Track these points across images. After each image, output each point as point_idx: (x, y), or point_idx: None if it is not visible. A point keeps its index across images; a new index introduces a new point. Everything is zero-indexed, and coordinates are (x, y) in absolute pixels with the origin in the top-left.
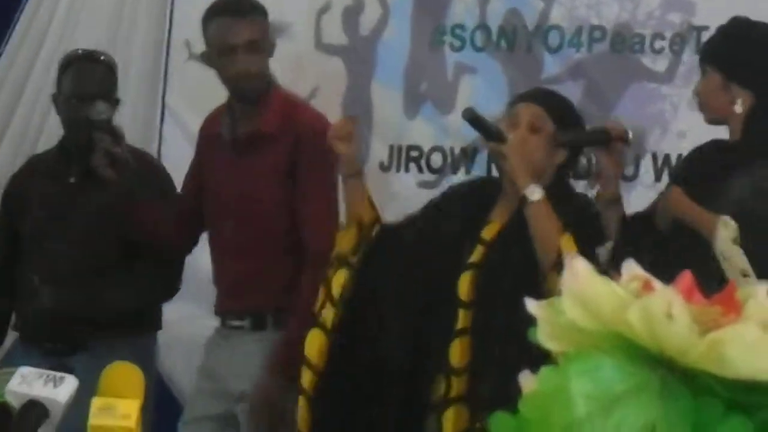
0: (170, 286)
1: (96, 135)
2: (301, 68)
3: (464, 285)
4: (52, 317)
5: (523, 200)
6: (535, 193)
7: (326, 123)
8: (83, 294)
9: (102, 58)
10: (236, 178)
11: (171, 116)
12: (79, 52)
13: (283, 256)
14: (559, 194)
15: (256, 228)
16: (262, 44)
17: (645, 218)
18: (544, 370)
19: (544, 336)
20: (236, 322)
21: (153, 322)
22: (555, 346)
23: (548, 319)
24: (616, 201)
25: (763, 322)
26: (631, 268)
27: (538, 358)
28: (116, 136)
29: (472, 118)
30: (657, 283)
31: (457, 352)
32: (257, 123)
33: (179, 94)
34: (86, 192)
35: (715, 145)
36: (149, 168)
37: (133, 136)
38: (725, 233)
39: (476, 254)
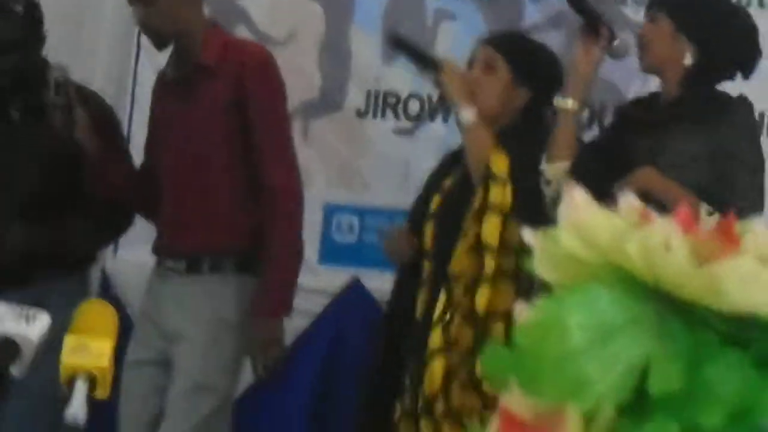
0: (122, 224)
1: (50, 96)
2: (278, 11)
3: (427, 235)
4: (21, 253)
5: (461, 128)
6: (465, 115)
7: (268, 54)
8: (33, 234)
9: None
10: (179, 115)
11: (146, 56)
12: None
13: (223, 196)
14: (517, 131)
15: (196, 165)
16: None
17: (598, 147)
18: (541, 301)
19: (541, 266)
20: (171, 263)
21: (95, 257)
22: (552, 276)
23: (545, 250)
24: (578, 110)
25: (760, 255)
26: (628, 198)
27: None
28: (67, 95)
29: (398, 44)
30: (655, 215)
31: (423, 304)
32: (196, 58)
33: None
34: (30, 129)
35: (654, 99)
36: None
37: (107, 77)
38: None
39: (434, 203)
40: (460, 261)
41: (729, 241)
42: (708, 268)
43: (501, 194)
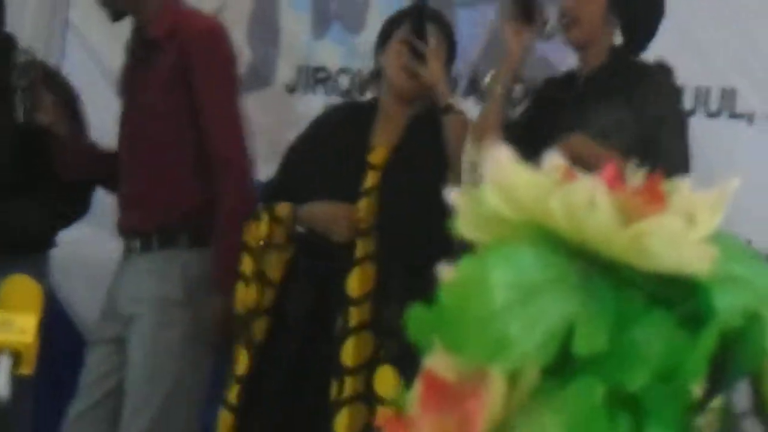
0: (80, 208)
1: (14, 78)
2: None
3: (362, 211)
4: None
5: (447, 109)
6: (457, 102)
7: (216, 26)
8: None
9: None
10: (132, 89)
11: (74, 33)
12: None
13: (172, 171)
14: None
15: (147, 140)
16: None
17: (519, 126)
18: (463, 260)
19: (463, 226)
20: (131, 243)
21: (52, 241)
22: (475, 236)
23: (468, 209)
24: (506, 92)
25: (687, 214)
26: (552, 157)
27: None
28: (32, 78)
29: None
30: (580, 172)
31: (356, 282)
32: (149, 32)
33: (82, 8)
34: None
35: (570, 76)
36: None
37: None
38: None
39: (369, 180)
40: None
41: (655, 199)
42: (633, 226)
43: None
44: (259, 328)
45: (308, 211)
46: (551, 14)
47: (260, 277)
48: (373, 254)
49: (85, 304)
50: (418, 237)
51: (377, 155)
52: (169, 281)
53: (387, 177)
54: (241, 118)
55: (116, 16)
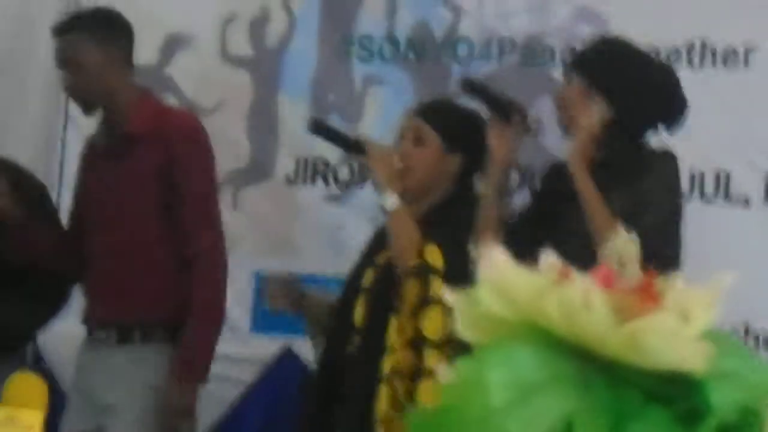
0: (59, 304)
1: None
2: (206, 80)
3: (358, 310)
4: None
5: (383, 211)
6: (389, 202)
7: (199, 124)
8: None
9: None
10: (108, 184)
11: (73, 126)
12: None
13: (154, 266)
14: (460, 202)
15: (126, 235)
16: (78, 62)
17: (525, 219)
18: (461, 361)
19: (462, 326)
20: (101, 334)
21: (30, 336)
22: (473, 336)
23: (466, 310)
24: (497, 195)
25: (681, 311)
26: (547, 257)
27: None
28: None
29: (318, 129)
30: (574, 273)
31: (352, 378)
32: (126, 127)
33: None
34: None
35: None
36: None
37: (35, 144)
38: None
39: (367, 278)
40: (398, 356)
41: (650, 297)
42: (629, 325)
43: (440, 286)
44: None
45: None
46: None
47: None
48: (361, 353)
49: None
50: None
51: (382, 256)
52: (154, 372)
53: (379, 276)
54: (218, 214)
55: (88, 110)
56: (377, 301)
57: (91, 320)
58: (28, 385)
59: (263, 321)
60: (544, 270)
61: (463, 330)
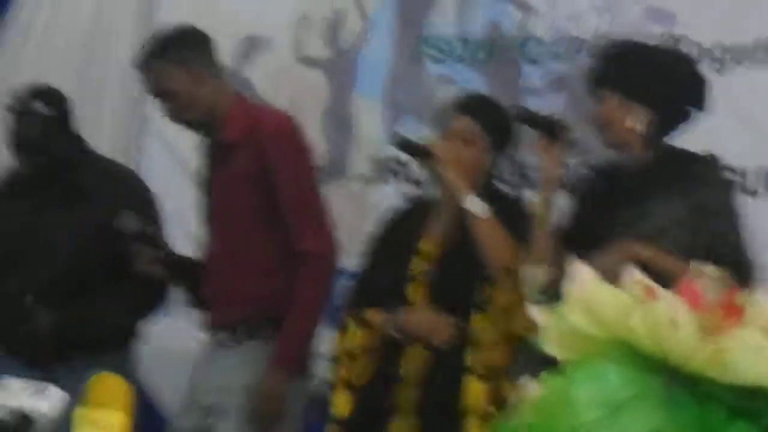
0: (157, 301)
1: (134, 246)
2: (281, 81)
3: (413, 295)
4: (46, 336)
5: (464, 213)
6: (475, 205)
7: (290, 122)
8: (75, 313)
9: (36, 106)
10: (213, 190)
11: (150, 128)
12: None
13: (258, 265)
14: (491, 196)
15: (230, 237)
16: (167, 90)
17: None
18: (548, 377)
19: (548, 342)
20: (219, 336)
21: (135, 334)
22: (559, 352)
23: (552, 326)
24: (552, 211)
25: (764, 326)
26: (633, 273)
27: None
28: (154, 242)
29: (402, 144)
30: (660, 290)
31: (410, 363)
32: (223, 135)
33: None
34: (67, 209)
35: (616, 169)
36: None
37: (113, 149)
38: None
39: (416, 266)
40: (491, 354)
41: (733, 313)
42: (714, 341)
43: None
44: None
45: (408, 319)
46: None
47: (348, 384)
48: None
49: (170, 395)
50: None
51: (427, 242)
52: (255, 371)
53: (436, 263)
54: (322, 209)
55: (197, 128)
56: (447, 294)
57: (206, 322)
58: (110, 385)
59: (336, 317)
60: (629, 287)
61: (551, 346)
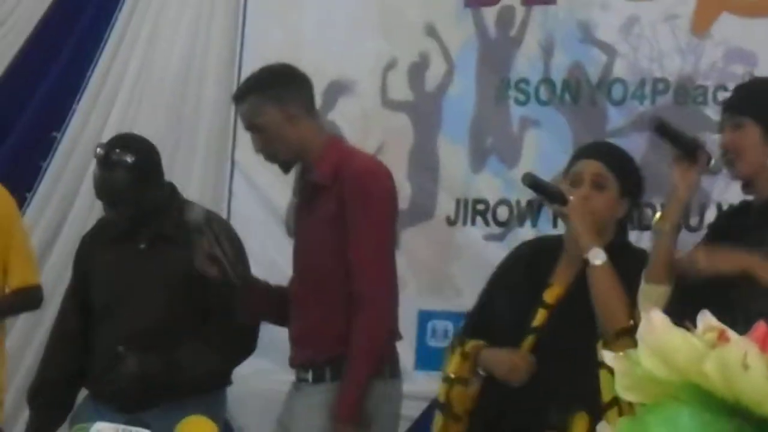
0: (247, 346)
1: (194, 237)
2: (368, 124)
3: (526, 349)
4: (135, 382)
5: (585, 263)
6: (597, 257)
7: (374, 166)
8: (165, 360)
9: (121, 158)
10: (301, 230)
11: (240, 172)
12: (103, 151)
13: (339, 306)
14: (620, 247)
15: (314, 278)
16: (259, 125)
17: None
18: (623, 421)
19: (622, 387)
20: (302, 375)
21: (224, 378)
22: (633, 396)
23: (626, 371)
24: (675, 230)
25: None
26: (705, 318)
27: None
28: (215, 235)
29: (533, 184)
30: (732, 334)
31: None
32: (312, 176)
33: (248, 149)
34: (157, 257)
35: (745, 206)
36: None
37: (203, 192)
38: None
39: (539, 318)
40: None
41: None
42: None
43: None
44: None
45: (487, 355)
46: (712, 151)
47: (447, 409)
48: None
49: None
50: (575, 375)
51: (551, 293)
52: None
53: (554, 317)
54: (390, 258)
55: (285, 168)
56: (551, 343)
57: (292, 361)
58: (199, 427)
59: (427, 359)
60: (702, 331)
61: (624, 391)
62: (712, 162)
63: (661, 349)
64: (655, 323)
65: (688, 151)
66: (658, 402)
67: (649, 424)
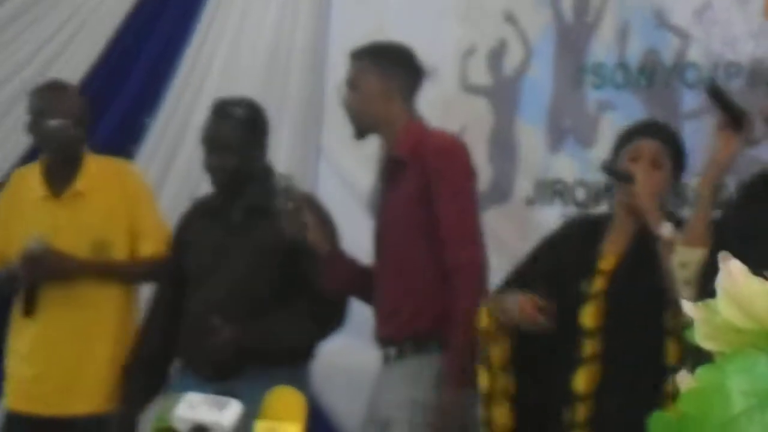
0: (337, 319)
1: (278, 201)
2: (448, 109)
3: (588, 315)
4: (227, 351)
5: (648, 236)
6: (667, 230)
7: (452, 141)
8: (256, 329)
9: (234, 110)
10: (383, 205)
11: (326, 158)
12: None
13: (420, 281)
14: (670, 220)
15: (395, 254)
16: (358, 85)
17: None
18: (702, 369)
19: (700, 337)
20: (386, 351)
21: (311, 351)
22: (712, 345)
23: (705, 320)
24: (713, 194)
25: None
26: None
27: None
28: (296, 201)
29: (607, 168)
30: None
31: (583, 380)
32: (393, 152)
33: (334, 135)
34: (250, 228)
35: None
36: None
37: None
38: None
39: (596, 284)
40: None
41: None
42: None
43: None
44: (500, 412)
45: (500, 301)
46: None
47: (489, 362)
48: (599, 354)
49: (346, 412)
50: (641, 339)
51: (606, 262)
52: (423, 386)
53: (614, 282)
54: (477, 229)
55: (360, 134)
56: (617, 308)
57: (378, 339)
58: (287, 398)
59: None
60: None
61: (703, 340)
62: (754, 135)
63: (740, 298)
64: (733, 272)
65: (736, 118)
66: (737, 351)
67: (727, 372)
